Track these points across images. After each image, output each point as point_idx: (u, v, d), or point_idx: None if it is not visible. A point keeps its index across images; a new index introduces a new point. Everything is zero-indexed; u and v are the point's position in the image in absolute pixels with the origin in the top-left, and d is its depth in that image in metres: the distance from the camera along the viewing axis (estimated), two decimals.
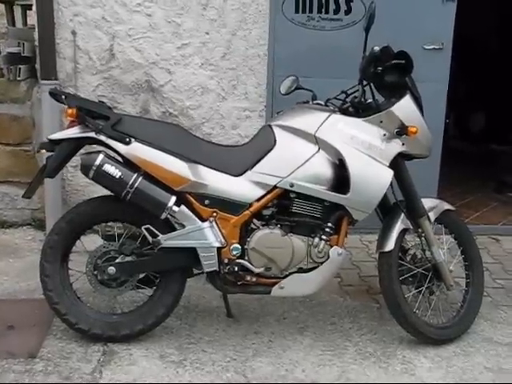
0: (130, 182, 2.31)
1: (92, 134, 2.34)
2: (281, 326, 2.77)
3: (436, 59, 3.77)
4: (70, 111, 2.31)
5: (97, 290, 2.47)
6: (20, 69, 3.64)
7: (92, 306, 2.58)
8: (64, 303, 2.42)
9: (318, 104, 2.68)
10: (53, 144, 2.39)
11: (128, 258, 2.42)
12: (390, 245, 2.56)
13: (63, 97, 2.38)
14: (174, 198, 2.35)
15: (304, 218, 2.48)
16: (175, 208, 2.35)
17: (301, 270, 2.53)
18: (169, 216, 2.37)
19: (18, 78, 3.66)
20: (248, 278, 2.46)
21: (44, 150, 2.46)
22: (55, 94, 2.44)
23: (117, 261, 2.40)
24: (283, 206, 2.50)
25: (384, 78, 2.48)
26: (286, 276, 2.49)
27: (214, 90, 3.67)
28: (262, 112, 3.73)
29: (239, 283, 2.47)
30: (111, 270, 2.38)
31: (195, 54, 3.61)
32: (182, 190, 2.38)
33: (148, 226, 2.36)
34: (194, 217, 2.38)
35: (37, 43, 3.52)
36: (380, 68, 2.44)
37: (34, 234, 3.75)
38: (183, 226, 2.39)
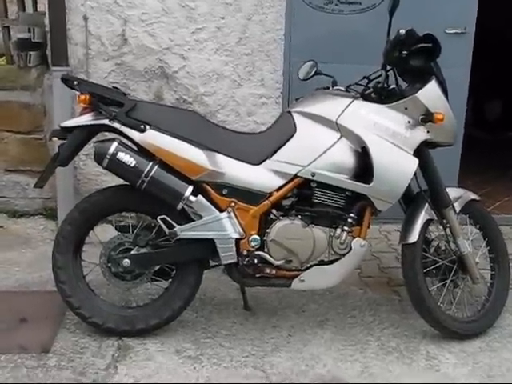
0: (145, 171, 2.23)
1: (105, 121, 2.26)
2: (300, 320, 2.70)
3: (458, 44, 3.64)
4: (82, 97, 2.22)
5: (111, 282, 2.39)
6: (30, 55, 3.56)
7: (106, 299, 2.51)
8: (77, 296, 2.35)
9: (338, 90, 2.59)
10: (65, 132, 2.31)
11: (143, 250, 2.34)
12: (414, 236, 2.48)
13: (75, 83, 2.30)
14: (190, 188, 2.27)
15: (325, 209, 2.40)
16: (192, 198, 2.27)
17: (322, 262, 2.45)
18: (185, 206, 2.29)
19: (29, 65, 3.58)
20: (267, 270, 2.38)
21: (56, 138, 2.37)
22: (67, 80, 2.36)
23: (131, 253, 2.33)
24: (303, 196, 2.42)
25: (409, 62, 2.38)
26: (307, 268, 2.42)
27: (229, 76, 3.58)
28: (278, 99, 3.64)
29: (258, 276, 2.40)
30: (126, 262, 2.30)
31: (210, 39, 3.52)
32: (199, 180, 2.30)
33: (164, 216, 2.27)
34: (211, 207, 2.30)
35: (47, 29, 3.46)
36: (405, 52, 2.34)
37: (45, 224, 3.69)
38: (200, 217, 2.31)
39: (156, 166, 2.25)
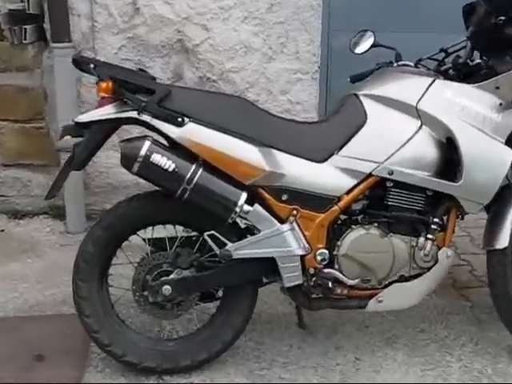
0: (188, 176, 1.77)
1: (133, 114, 1.79)
2: (365, 338, 2.33)
3: None
4: (104, 85, 1.76)
5: (147, 313, 1.95)
6: (25, 30, 3.10)
7: (140, 331, 2.07)
8: (106, 331, 1.92)
9: (405, 66, 2.18)
10: (80, 128, 1.84)
11: (186, 273, 1.89)
12: (504, 240, 2.08)
13: (91, 65, 1.82)
14: (244, 195, 1.83)
15: (404, 213, 2.00)
16: (247, 207, 1.83)
17: (402, 278, 2.04)
18: (238, 218, 1.84)
19: (24, 42, 3.13)
20: (338, 290, 1.97)
21: (69, 136, 1.88)
22: (79, 62, 1.87)
23: (172, 277, 1.88)
24: (377, 199, 2.01)
25: (504, 31, 1.96)
26: (385, 286, 2.02)
27: (260, 49, 3.19)
28: (315, 74, 3.26)
29: (327, 297, 1.97)
30: (166, 289, 1.86)
31: (236, 5, 3.13)
32: (253, 184, 1.85)
33: (212, 232, 1.83)
34: (271, 218, 1.87)
35: None
36: (502, 18, 1.93)
37: (52, 225, 3.28)
38: (257, 230, 1.87)
39: (200, 170, 1.79)
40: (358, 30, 2.30)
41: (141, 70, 1.94)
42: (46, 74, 3.17)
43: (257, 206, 1.84)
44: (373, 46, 2.23)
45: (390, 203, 1.98)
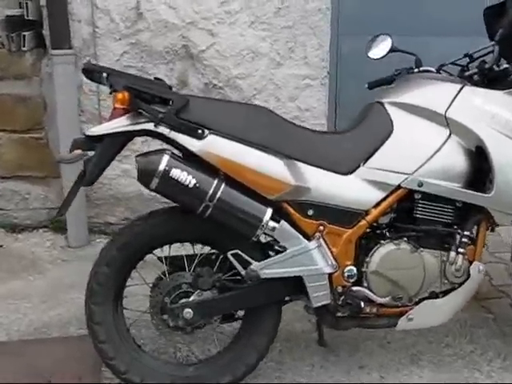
0: (210, 192, 1.66)
1: (149, 126, 1.67)
2: (389, 355, 2.24)
3: None
4: (120, 96, 1.64)
5: (165, 336, 1.84)
6: (24, 36, 2.99)
7: (158, 357, 1.95)
8: (122, 358, 1.80)
9: (426, 71, 2.10)
10: (92, 141, 1.71)
11: (207, 294, 1.78)
12: None
13: (104, 75, 1.70)
14: (269, 211, 1.72)
15: (433, 226, 1.91)
16: (273, 224, 1.72)
17: (433, 295, 1.95)
18: (262, 236, 1.73)
19: (23, 49, 3.02)
20: (367, 309, 1.87)
21: (80, 150, 1.76)
22: (91, 72, 1.75)
23: (193, 299, 1.76)
24: (404, 211, 1.92)
25: None
26: (416, 303, 1.92)
27: (267, 55, 3.08)
28: (324, 79, 3.16)
29: (355, 316, 1.87)
30: (188, 313, 1.74)
31: (243, 10, 3.03)
32: (278, 199, 1.74)
33: (237, 251, 1.71)
34: (297, 234, 1.76)
35: (44, 3, 2.93)
36: None
37: (53, 239, 3.16)
38: (282, 248, 1.76)
39: (223, 185, 1.68)
40: (375, 34, 2.20)
41: (157, 78, 1.83)
42: (45, 82, 3.06)
43: (283, 223, 1.73)
44: (390, 50, 2.13)
45: (418, 216, 1.89)
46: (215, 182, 1.68)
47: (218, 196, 1.67)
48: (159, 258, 1.86)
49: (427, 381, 2.09)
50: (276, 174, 1.72)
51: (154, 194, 2.95)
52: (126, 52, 3.00)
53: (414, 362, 2.19)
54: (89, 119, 3.01)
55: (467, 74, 2.03)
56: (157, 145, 2.80)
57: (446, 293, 1.94)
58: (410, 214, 1.90)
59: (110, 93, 1.71)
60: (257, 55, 3.07)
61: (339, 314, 1.88)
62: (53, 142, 3.06)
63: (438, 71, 2.11)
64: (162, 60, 3.01)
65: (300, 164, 1.77)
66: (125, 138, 1.74)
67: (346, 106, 3.11)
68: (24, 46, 3.00)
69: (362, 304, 1.84)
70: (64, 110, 2.93)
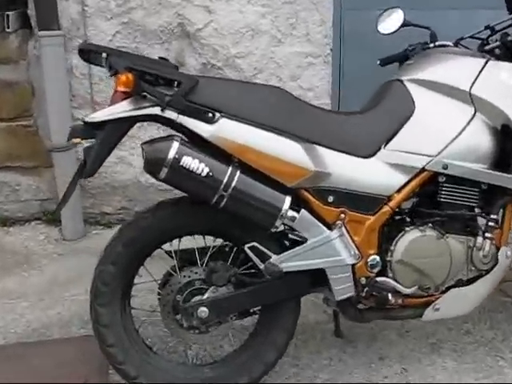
0: (225, 181, 1.53)
1: (155, 111, 1.52)
2: (408, 345, 2.15)
3: None
4: (124, 78, 1.48)
5: (178, 337, 1.71)
6: (8, 16, 2.84)
7: (170, 358, 1.83)
8: (132, 361, 1.67)
9: (444, 46, 1.98)
10: (92, 128, 1.56)
11: (222, 291, 1.65)
12: None
13: (104, 55, 1.54)
14: (288, 199, 1.59)
15: (458, 210, 1.79)
16: (292, 213, 1.59)
17: (459, 283, 1.85)
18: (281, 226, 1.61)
19: (7, 30, 2.87)
20: (392, 300, 1.75)
21: (79, 139, 1.61)
22: (88, 52, 1.59)
23: (208, 297, 1.63)
24: (427, 196, 1.81)
25: None
26: (442, 292, 1.82)
27: (268, 32, 2.94)
28: (327, 57, 3.02)
29: (380, 308, 1.76)
30: (203, 311, 1.61)
31: None
32: (297, 186, 1.61)
33: (254, 243, 1.59)
34: (319, 224, 1.63)
35: None
36: None
37: (46, 232, 3.02)
38: (303, 239, 1.64)
39: (238, 173, 1.55)
40: (383, 9, 2.08)
41: (161, 58, 1.67)
42: (32, 65, 2.91)
43: (303, 212, 1.60)
44: (403, 25, 2.01)
45: (442, 200, 1.77)
46: (229, 169, 1.54)
47: (233, 185, 1.53)
48: (168, 252, 1.73)
49: (451, 371, 1.99)
50: (295, 160, 1.59)
51: (151, 181, 2.83)
52: (119, 32, 2.84)
53: (435, 351, 2.11)
54: (80, 104, 2.85)
55: (488, 47, 1.91)
56: (152, 129, 2.72)
57: (472, 280, 1.84)
58: (432, 198, 1.79)
59: (111, 75, 1.56)
60: (257, 33, 2.93)
61: (362, 306, 1.77)
62: (43, 129, 2.91)
63: (455, 46, 1.99)
64: (156, 40, 2.87)
65: (319, 148, 1.64)
66: (128, 124, 1.60)
67: (351, 85, 2.98)
68: (8, 28, 2.85)
69: (389, 295, 1.73)
70: (53, 96, 2.77)
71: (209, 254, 1.70)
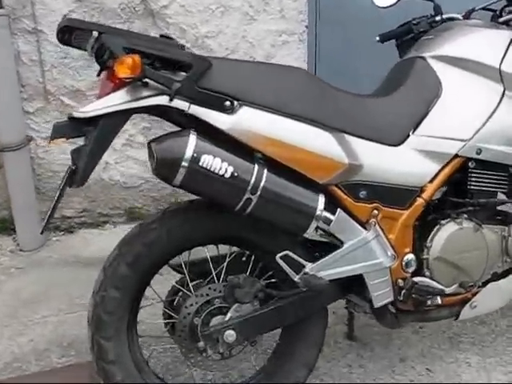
0: (252, 182, 1.28)
1: (162, 100, 1.26)
2: (427, 342, 2.04)
3: None
4: (130, 61, 1.20)
5: (196, 365, 1.47)
6: None
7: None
8: None
9: (452, 19, 1.82)
10: (81, 125, 1.27)
11: (247, 309, 1.41)
12: None
13: (94, 34, 1.25)
14: (322, 198, 1.38)
15: (490, 198, 1.65)
16: (327, 214, 1.37)
17: (494, 276, 1.73)
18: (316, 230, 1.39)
19: None
20: (429, 301, 1.58)
21: (63, 139, 1.31)
22: (70, 31, 1.29)
23: (232, 316, 1.39)
24: (456, 184, 1.65)
25: None
26: (479, 288, 1.68)
27: (239, 9, 2.72)
28: (303, 35, 2.85)
29: (418, 311, 1.60)
30: (230, 335, 1.38)
31: None
32: (328, 183, 1.39)
33: (287, 252, 1.36)
34: (356, 224, 1.43)
35: None
36: None
37: (0, 244, 2.65)
38: (340, 242, 1.43)
39: (265, 171, 1.31)
40: None
41: (163, 36, 1.39)
42: None
43: (340, 212, 1.39)
44: None
45: (472, 188, 1.63)
46: (255, 167, 1.30)
47: (261, 185, 1.30)
48: (174, 266, 1.48)
49: (477, 367, 1.88)
50: (328, 152, 1.37)
51: (116, 178, 2.52)
52: (73, 11, 2.53)
53: (455, 346, 2.01)
54: (31, 96, 2.49)
55: (502, 19, 1.77)
56: (145, 122, 2.43)
57: (506, 272, 1.71)
58: (462, 186, 1.63)
59: (112, 58, 1.26)
60: (227, 9, 2.71)
61: (397, 311, 1.60)
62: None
63: (465, 18, 1.84)
64: (117, 19, 2.58)
65: (349, 137, 1.43)
66: (124, 117, 1.31)
67: (327, 64, 2.79)
68: None
69: (429, 297, 1.56)
70: (4, 89, 2.39)
71: (225, 265, 1.46)
